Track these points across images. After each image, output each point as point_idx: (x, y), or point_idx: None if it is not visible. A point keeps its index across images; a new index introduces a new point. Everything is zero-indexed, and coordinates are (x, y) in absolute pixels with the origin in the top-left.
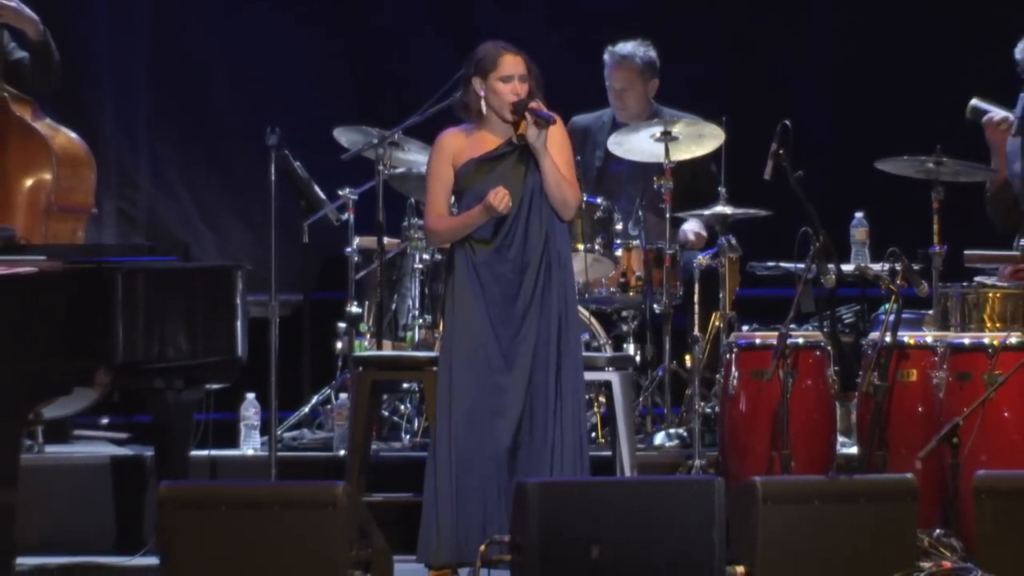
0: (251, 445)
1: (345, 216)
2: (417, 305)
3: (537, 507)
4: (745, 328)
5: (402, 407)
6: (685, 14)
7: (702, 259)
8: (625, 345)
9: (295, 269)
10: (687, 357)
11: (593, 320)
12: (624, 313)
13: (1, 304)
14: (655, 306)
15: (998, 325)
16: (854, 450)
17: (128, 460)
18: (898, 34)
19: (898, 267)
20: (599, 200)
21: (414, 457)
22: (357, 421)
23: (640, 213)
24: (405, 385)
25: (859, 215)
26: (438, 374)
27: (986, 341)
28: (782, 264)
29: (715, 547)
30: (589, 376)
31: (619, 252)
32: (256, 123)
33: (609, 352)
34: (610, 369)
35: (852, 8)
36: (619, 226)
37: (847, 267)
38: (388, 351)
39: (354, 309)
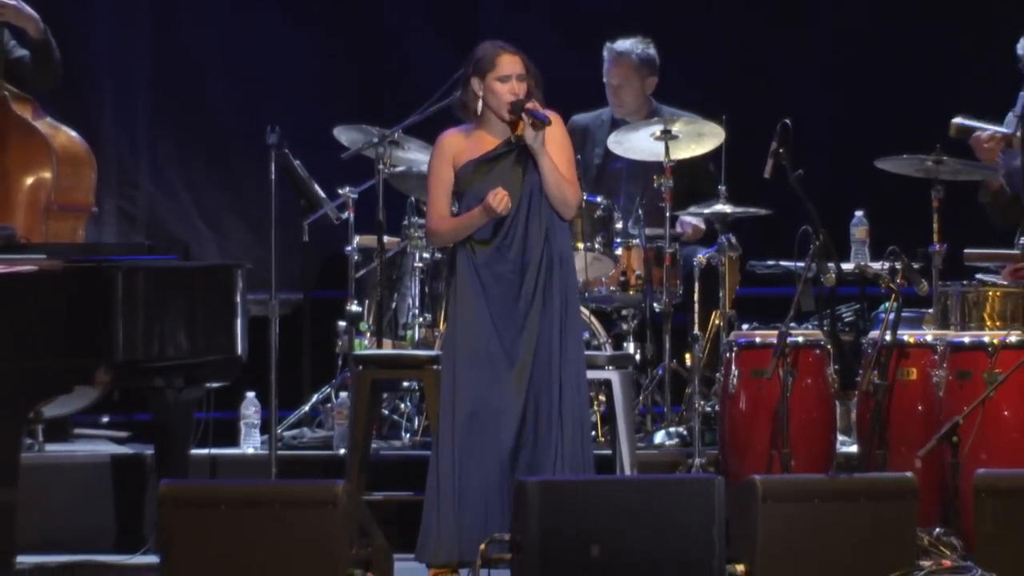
0: (251, 444)
1: (345, 215)
2: (417, 304)
3: (537, 506)
4: (745, 327)
5: (402, 406)
6: (685, 13)
7: (702, 258)
8: (625, 344)
9: (295, 268)
10: (687, 356)
11: (593, 319)
12: (624, 312)
13: (1, 303)
14: (655, 305)
15: (998, 324)
16: (854, 449)
17: (128, 459)
18: (898, 34)
19: (898, 266)
20: (599, 199)
21: (414, 456)
22: (357, 420)
23: (640, 212)
24: (405, 384)
25: (859, 214)
26: (441, 374)
27: (986, 340)
28: (782, 263)
29: (715, 545)
30: (589, 375)
31: (619, 251)
32: (256, 122)
33: (609, 351)
34: (610, 368)
35: (852, 8)
36: (619, 225)
37: (847, 266)
38: (388, 350)
39: (354, 308)
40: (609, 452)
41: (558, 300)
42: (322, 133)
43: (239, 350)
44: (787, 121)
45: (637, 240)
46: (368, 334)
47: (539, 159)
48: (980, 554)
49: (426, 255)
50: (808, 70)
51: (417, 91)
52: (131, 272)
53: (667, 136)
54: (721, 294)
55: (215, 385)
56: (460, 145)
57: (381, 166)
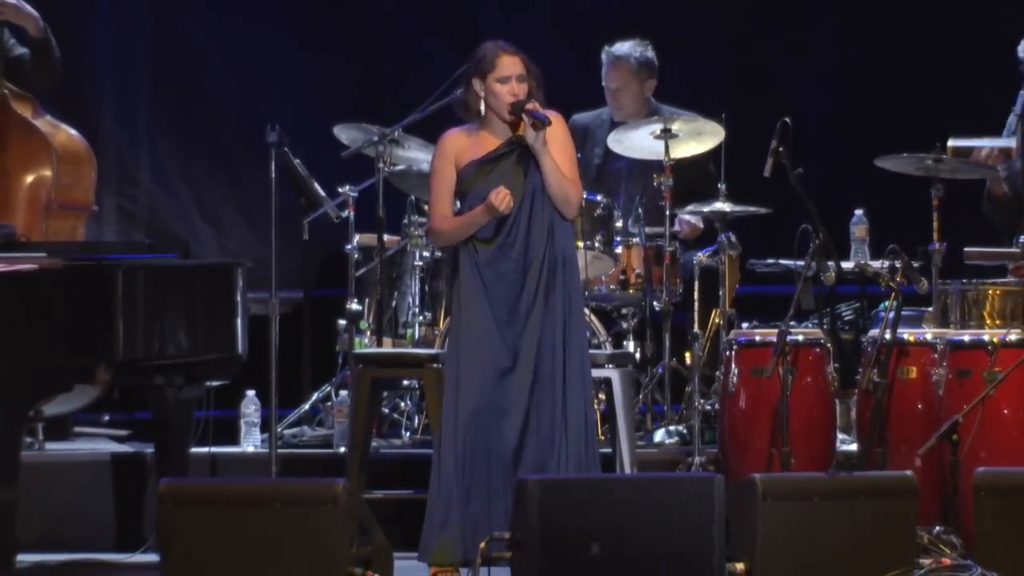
0: (251, 442)
1: (345, 213)
2: (417, 302)
3: (537, 504)
4: (745, 325)
5: (402, 404)
6: (685, 13)
7: (702, 257)
8: (625, 342)
9: (295, 266)
10: (687, 354)
11: (593, 317)
12: (624, 310)
13: (1, 301)
14: (655, 303)
15: (998, 322)
16: (854, 447)
17: (128, 457)
18: (898, 33)
19: (898, 264)
20: (599, 198)
21: (414, 454)
22: (357, 418)
23: (640, 210)
24: (405, 382)
25: (859, 212)
26: (444, 373)
27: (986, 338)
28: (782, 261)
29: (715, 544)
30: None
31: (619, 249)
32: (256, 120)
33: (609, 349)
34: (610, 366)
35: (852, 8)
36: (619, 223)
37: (847, 264)
38: (388, 348)
39: (354, 306)
40: (609, 450)
41: (561, 300)
42: (322, 132)
43: (239, 348)
44: (787, 120)
45: (637, 239)
46: (368, 332)
47: (540, 159)
48: (980, 552)
49: (426, 254)
50: (808, 70)
51: (417, 90)
52: (131, 271)
53: (667, 135)
54: (721, 293)
55: (215, 383)
56: (462, 145)
57: (381, 165)
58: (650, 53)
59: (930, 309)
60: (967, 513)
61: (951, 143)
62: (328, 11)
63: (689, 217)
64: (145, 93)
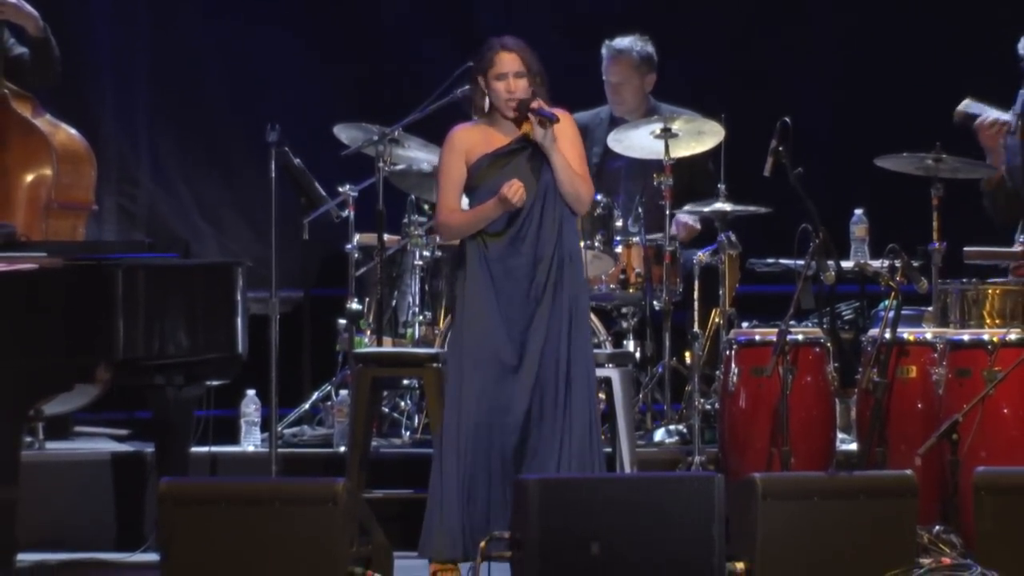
0: (251, 441)
1: (345, 213)
2: (417, 302)
3: (537, 503)
4: (745, 325)
5: (402, 403)
6: (685, 13)
7: (702, 256)
8: (625, 342)
9: (295, 266)
10: (687, 354)
11: (593, 317)
12: (624, 310)
13: (1, 301)
14: (655, 303)
15: (997, 321)
16: (854, 446)
17: (128, 456)
18: (898, 33)
19: (898, 264)
20: (599, 197)
21: (414, 453)
22: (357, 417)
23: (640, 210)
24: (405, 381)
25: (859, 212)
26: (447, 369)
27: (986, 337)
28: (782, 261)
29: (715, 543)
30: None
31: (619, 249)
32: (256, 120)
33: (609, 349)
34: (610, 366)
35: (852, 8)
36: (619, 223)
37: (847, 264)
38: (388, 348)
39: (354, 306)
40: (609, 450)
41: (567, 297)
42: (322, 131)
43: (239, 348)
44: (787, 119)
45: (637, 238)
46: (368, 332)
47: (551, 156)
48: (980, 552)
49: (426, 253)
50: (808, 70)
51: (417, 90)
52: (131, 270)
53: (667, 134)
54: (721, 292)
55: (215, 383)
56: (472, 140)
57: (381, 164)
58: (651, 48)
59: (930, 308)
60: (967, 512)
61: (962, 107)
62: (328, 11)
63: (686, 218)
64: (145, 92)
